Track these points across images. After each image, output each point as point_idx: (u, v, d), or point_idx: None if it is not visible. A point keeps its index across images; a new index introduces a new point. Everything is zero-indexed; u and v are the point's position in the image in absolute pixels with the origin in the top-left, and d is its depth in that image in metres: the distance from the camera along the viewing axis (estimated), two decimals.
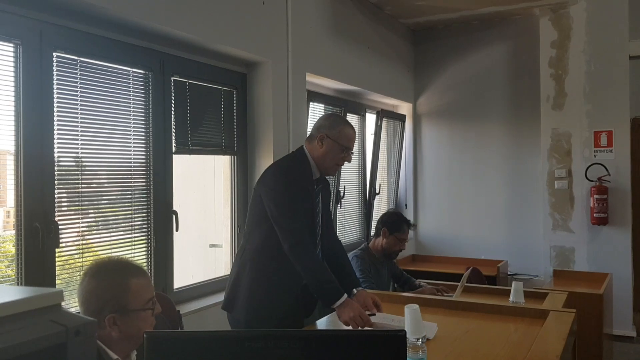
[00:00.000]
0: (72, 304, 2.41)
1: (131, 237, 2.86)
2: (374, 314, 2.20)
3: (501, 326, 2.27)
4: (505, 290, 3.00)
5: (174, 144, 3.09)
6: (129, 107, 2.84)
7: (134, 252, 2.86)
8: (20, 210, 2.33)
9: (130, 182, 2.86)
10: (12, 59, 2.31)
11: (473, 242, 5.65)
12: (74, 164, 2.58)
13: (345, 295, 2.16)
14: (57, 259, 2.45)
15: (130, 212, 2.85)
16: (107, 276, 1.51)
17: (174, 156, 3.11)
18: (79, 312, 1.55)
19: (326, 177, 2.55)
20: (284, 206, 2.24)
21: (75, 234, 2.57)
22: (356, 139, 2.45)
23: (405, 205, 5.99)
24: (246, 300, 2.30)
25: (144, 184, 2.92)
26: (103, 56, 2.69)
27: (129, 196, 2.85)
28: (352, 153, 2.41)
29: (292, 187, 2.26)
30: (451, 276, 4.26)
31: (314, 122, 2.46)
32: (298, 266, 2.20)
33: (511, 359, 1.86)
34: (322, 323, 2.36)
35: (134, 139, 2.86)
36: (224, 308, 2.39)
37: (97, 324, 1.43)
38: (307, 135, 2.42)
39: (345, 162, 2.40)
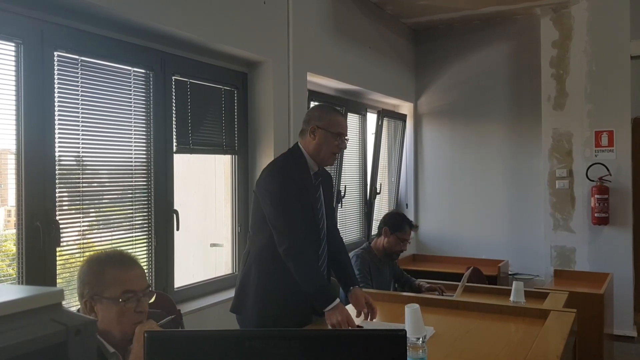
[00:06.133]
0: (72, 303, 2.41)
1: (132, 236, 2.86)
2: (361, 327, 2.23)
3: (502, 326, 2.27)
4: (505, 290, 3.00)
5: (174, 143, 3.10)
6: (130, 106, 2.84)
7: (135, 251, 2.86)
8: (21, 209, 2.33)
9: (131, 182, 2.86)
10: (13, 59, 2.31)
11: (474, 241, 5.65)
12: (75, 163, 2.58)
13: (337, 301, 2.19)
14: (58, 258, 2.46)
15: (131, 211, 2.85)
16: (91, 263, 1.56)
17: (175, 155, 3.11)
18: (79, 311, 1.56)
19: (326, 170, 2.57)
20: (280, 207, 2.24)
21: (76, 233, 2.57)
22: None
23: (406, 204, 5.99)
24: (255, 303, 2.31)
25: (144, 183, 2.92)
26: (104, 55, 2.69)
27: (130, 195, 2.85)
28: (347, 139, 2.41)
29: (287, 185, 2.25)
30: (452, 276, 4.25)
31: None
32: (294, 272, 2.21)
33: (512, 359, 1.86)
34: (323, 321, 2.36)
35: (134, 138, 2.86)
36: (233, 310, 2.40)
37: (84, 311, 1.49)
38: (300, 130, 2.45)
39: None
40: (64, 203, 2.53)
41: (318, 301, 2.21)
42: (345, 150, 4.85)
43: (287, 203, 2.23)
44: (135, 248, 2.87)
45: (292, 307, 2.29)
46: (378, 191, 5.36)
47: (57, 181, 2.47)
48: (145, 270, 1.75)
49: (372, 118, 5.37)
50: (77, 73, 2.56)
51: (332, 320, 2.16)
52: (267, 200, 2.27)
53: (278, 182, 2.26)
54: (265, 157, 3.60)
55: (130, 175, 2.86)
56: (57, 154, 2.46)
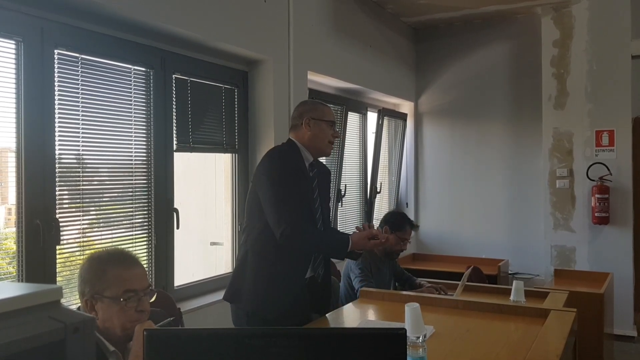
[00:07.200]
0: (72, 301, 2.41)
1: (132, 235, 2.86)
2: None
3: (502, 325, 2.26)
4: (506, 289, 2.99)
5: (175, 142, 3.09)
6: (130, 104, 2.84)
7: (135, 250, 2.86)
8: (21, 207, 2.33)
9: (131, 180, 2.86)
10: (13, 56, 2.31)
11: (474, 241, 5.64)
12: (75, 161, 2.58)
13: (349, 240, 2.28)
14: (57, 256, 2.46)
15: (131, 209, 2.85)
16: (92, 261, 1.56)
17: (175, 154, 3.11)
18: (79, 309, 1.55)
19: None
20: (278, 189, 2.24)
21: (76, 232, 2.57)
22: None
23: (407, 204, 5.99)
24: (250, 292, 2.30)
25: (145, 181, 2.92)
26: (104, 54, 2.69)
27: (130, 194, 2.85)
28: (338, 129, 2.46)
29: (286, 168, 2.29)
30: (452, 275, 4.25)
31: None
32: (301, 251, 2.28)
33: (512, 358, 1.86)
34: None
35: (135, 136, 2.86)
36: (226, 299, 2.39)
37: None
38: (290, 126, 2.48)
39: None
40: (64, 201, 2.52)
41: (340, 252, 2.35)
42: (345, 150, 4.90)
43: (285, 185, 2.25)
44: (135, 246, 2.87)
45: (287, 300, 2.27)
46: (378, 190, 5.35)
47: (57, 179, 2.46)
48: (145, 269, 1.74)
49: (372, 117, 5.37)
50: (77, 71, 2.56)
51: (367, 248, 2.32)
52: (266, 183, 2.27)
53: (277, 165, 2.29)
54: None
55: (131, 174, 2.85)
56: (57, 152, 2.46)
